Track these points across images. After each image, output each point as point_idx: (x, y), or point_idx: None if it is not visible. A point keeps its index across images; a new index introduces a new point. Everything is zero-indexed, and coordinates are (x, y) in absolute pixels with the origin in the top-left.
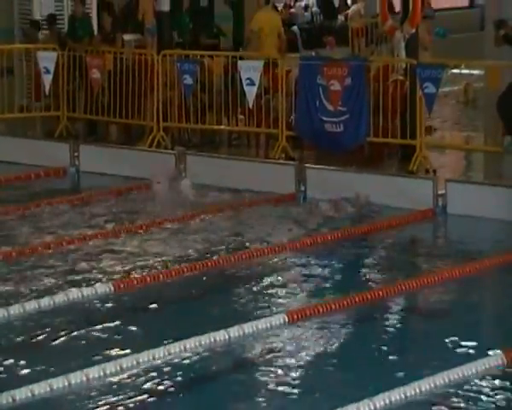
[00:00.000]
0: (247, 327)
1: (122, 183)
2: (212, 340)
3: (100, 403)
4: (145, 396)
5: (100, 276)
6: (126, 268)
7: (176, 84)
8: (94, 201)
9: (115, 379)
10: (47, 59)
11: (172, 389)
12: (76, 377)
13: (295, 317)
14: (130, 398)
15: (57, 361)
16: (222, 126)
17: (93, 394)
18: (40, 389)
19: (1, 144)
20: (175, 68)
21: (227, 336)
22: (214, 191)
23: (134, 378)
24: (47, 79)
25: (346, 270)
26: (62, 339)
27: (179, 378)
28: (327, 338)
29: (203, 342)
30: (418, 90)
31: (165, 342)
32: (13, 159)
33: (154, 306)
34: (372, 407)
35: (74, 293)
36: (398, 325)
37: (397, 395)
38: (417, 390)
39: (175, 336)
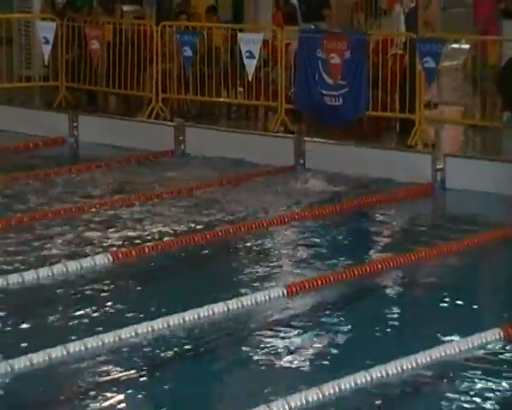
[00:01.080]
0: (246, 300)
1: (120, 153)
2: (211, 312)
3: (99, 374)
4: (143, 367)
5: (98, 246)
6: (125, 239)
7: (175, 55)
8: (93, 171)
9: (114, 350)
10: (46, 29)
11: (170, 360)
12: (75, 347)
13: (294, 290)
14: (127, 369)
15: (55, 333)
16: (221, 99)
17: (91, 363)
18: (39, 358)
19: (0, 114)
20: (174, 39)
21: (226, 309)
22: (213, 163)
23: (132, 349)
24: (46, 49)
25: (345, 243)
26: (59, 310)
27: (177, 350)
28: (325, 311)
29: (202, 315)
30: (418, 64)
31: (164, 313)
32: (12, 128)
33: (152, 277)
34: (368, 379)
35: (72, 264)
36: (396, 299)
37: (393, 367)
38: (413, 364)
39: (174, 307)
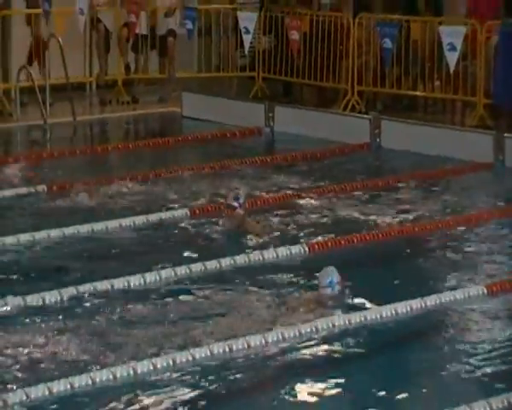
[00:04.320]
0: (444, 296)
1: (316, 145)
2: (409, 308)
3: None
4: (340, 356)
5: (296, 236)
6: (320, 231)
7: (372, 47)
8: (290, 161)
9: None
10: (247, 19)
11: (363, 352)
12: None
13: (495, 289)
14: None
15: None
16: (417, 92)
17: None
18: (238, 344)
19: (197, 102)
20: (371, 32)
21: (423, 305)
22: (408, 157)
23: (327, 341)
24: (246, 39)
25: None
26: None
27: (372, 343)
28: None
29: (399, 310)
30: None
31: (359, 307)
32: (208, 117)
33: (348, 269)
34: None
35: (269, 252)
36: None
37: None
38: None
39: (370, 301)
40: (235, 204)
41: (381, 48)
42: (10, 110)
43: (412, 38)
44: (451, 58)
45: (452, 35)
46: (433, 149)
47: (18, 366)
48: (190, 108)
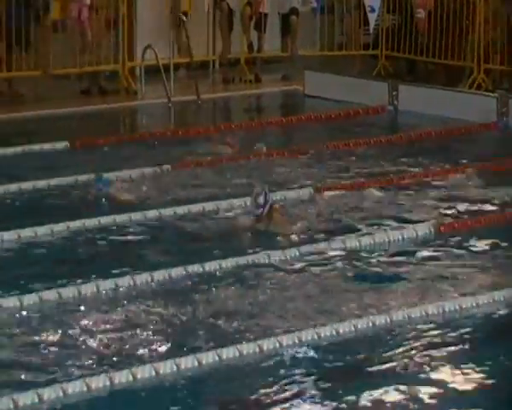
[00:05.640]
0: None
1: (440, 124)
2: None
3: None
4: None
5: (422, 216)
6: (448, 212)
7: (499, 23)
8: (414, 140)
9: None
10: None
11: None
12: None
13: None
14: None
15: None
16: None
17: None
18: (363, 323)
19: (319, 80)
20: (498, 6)
21: None
22: None
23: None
24: (371, 18)
25: None
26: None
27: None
28: None
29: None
30: None
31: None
32: (331, 95)
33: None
34: None
35: (394, 234)
36: None
37: None
38: None
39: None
40: (259, 210)
41: (510, 23)
42: (135, 88)
43: None
44: None
45: None
46: None
47: (78, 354)
48: (313, 87)
